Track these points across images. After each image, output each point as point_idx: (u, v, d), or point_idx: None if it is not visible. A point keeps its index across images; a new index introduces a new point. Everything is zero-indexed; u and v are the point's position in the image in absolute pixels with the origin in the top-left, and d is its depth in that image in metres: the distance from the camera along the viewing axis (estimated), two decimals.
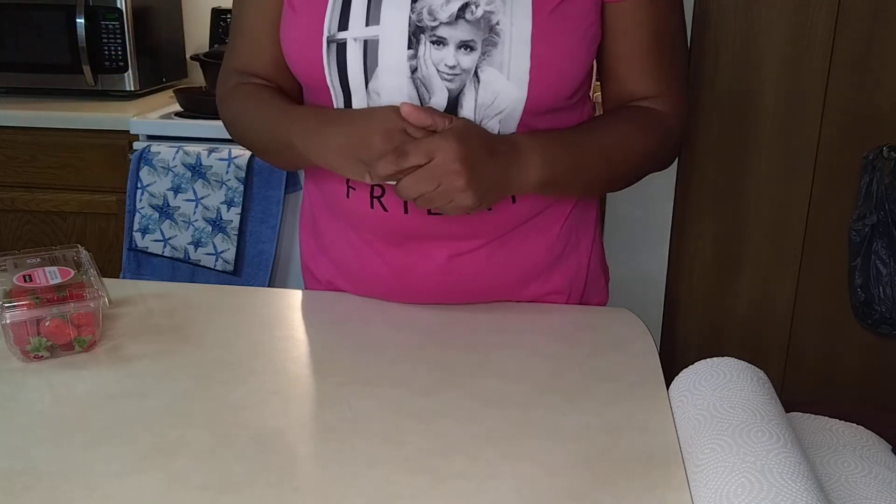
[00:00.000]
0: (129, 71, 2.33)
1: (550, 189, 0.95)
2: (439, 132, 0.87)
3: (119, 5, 2.27)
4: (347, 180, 0.99)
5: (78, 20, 2.26)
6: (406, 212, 0.97)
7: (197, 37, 2.67)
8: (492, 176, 0.88)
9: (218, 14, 2.53)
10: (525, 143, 0.92)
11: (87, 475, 0.70)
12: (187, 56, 2.64)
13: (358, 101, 0.94)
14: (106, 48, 2.31)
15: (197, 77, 2.57)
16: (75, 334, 0.90)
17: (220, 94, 1.09)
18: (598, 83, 1.07)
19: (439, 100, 0.92)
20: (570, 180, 0.96)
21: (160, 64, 2.51)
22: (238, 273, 2.10)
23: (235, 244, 2.07)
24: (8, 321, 0.87)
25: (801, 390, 2.63)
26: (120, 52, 2.31)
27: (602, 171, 0.98)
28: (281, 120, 0.98)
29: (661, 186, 2.47)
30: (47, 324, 0.89)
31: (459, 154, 0.85)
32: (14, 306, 0.87)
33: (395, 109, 0.89)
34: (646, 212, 2.50)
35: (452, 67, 0.91)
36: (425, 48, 0.90)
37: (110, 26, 2.28)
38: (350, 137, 0.90)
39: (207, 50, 2.50)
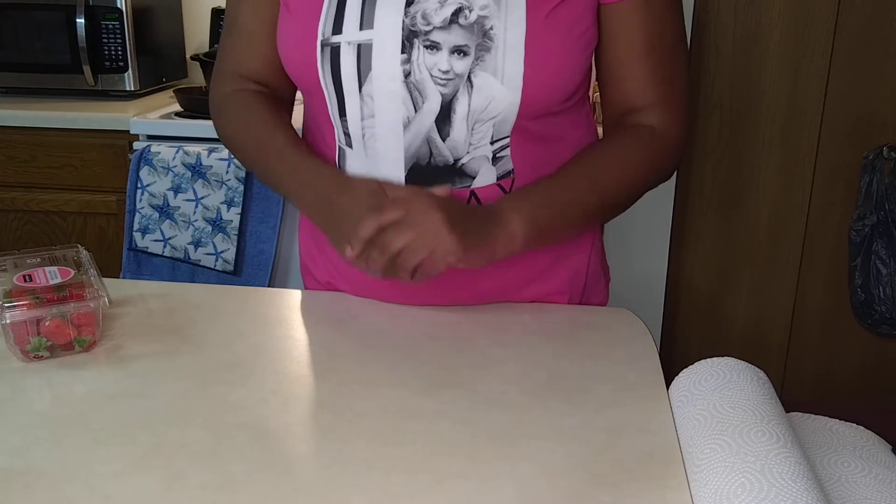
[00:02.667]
0: (129, 71, 2.34)
1: (540, 241, 0.94)
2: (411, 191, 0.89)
3: (119, 5, 2.27)
4: None
5: (78, 20, 2.26)
6: None
7: (197, 37, 2.67)
8: (471, 225, 0.88)
9: (218, 14, 2.53)
10: (503, 203, 0.92)
11: (87, 475, 0.70)
12: (187, 56, 2.64)
13: (351, 105, 0.94)
14: (106, 48, 2.31)
15: (197, 77, 2.58)
16: (75, 334, 0.90)
17: (215, 101, 1.08)
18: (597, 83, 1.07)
19: (433, 105, 0.92)
20: (560, 228, 0.95)
21: (160, 64, 2.51)
22: (238, 273, 2.10)
23: (235, 244, 2.07)
24: (8, 321, 0.87)
25: (801, 390, 2.63)
26: (120, 52, 2.31)
27: (596, 208, 0.97)
28: (275, 163, 0.99)
29: (661, 186, 2.46)
30: (47, 324, 0.89)
31: (437, 203, 0.86)
32: (14, 306, 0.87)
33: (378, 188, 0.90)
34: (646, 212, 2.50)
35: (446, 72, 0.90)
36: (419, 53, 0.90)
37: (110, 26, 2.28)
38: (336, 211, 0.91)
39: (207, 50, 2.50)
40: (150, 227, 2.10)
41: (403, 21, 0.90)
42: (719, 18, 2.40)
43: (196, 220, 2.08)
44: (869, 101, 2.39)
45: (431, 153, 0.94)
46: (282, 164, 0.98)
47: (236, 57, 1.06)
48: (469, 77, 0.90)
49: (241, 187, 2.04)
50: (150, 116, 2.17)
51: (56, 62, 2.33)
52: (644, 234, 2.50)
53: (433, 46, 0.90)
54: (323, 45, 0.93)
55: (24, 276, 0.92)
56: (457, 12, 0.89)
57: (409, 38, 0.90)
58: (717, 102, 2.46)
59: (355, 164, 0.97)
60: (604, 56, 0.98)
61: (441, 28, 0.89)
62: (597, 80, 1.03)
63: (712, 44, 2.42)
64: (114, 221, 2.24)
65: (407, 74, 0.91)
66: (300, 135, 1.09)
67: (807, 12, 2.35)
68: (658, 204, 2.49)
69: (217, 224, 2.07)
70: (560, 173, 0.96)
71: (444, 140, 0.93)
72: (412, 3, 0.89)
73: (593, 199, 0.96)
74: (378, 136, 0.94)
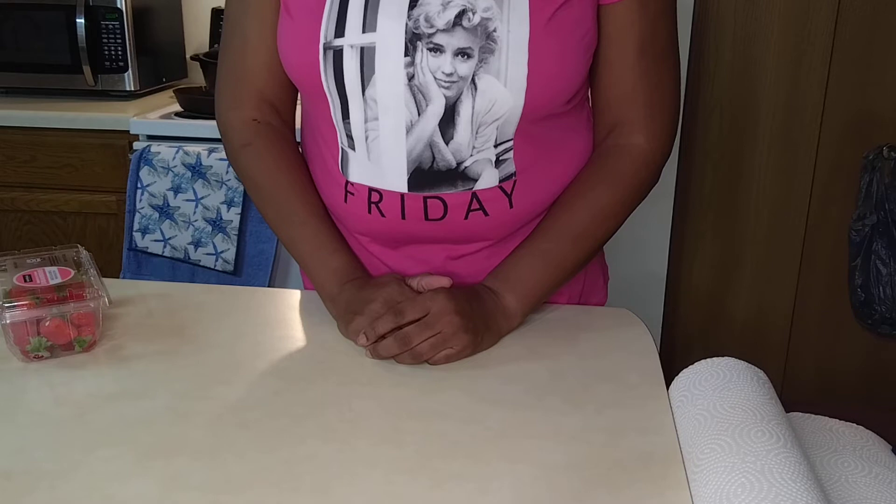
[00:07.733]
0: (129, 71, 2.34)
1: (536, 307, 0.99)
2: (429, 292, 0.93)
3: (119, 5, 2.27)
4: (346, 184, 0.99)
5: (78, 20, 2.26)
6: (403, 217, 0.97)
7: (197, 37, 2.67)
8: (479, 318, 0.92)
9: (218, 14, 2.53)
10: (500, 287, 0.96)
11: (87, 475, 0.70)
12: (187, 56, 2.64)
13: (355, 108, 0.94)
14: (106, 48, 2.31)
15: (197, 77, 2.57)
16: (75, 334, 0.90)
17: (237, 130, 1.05)
18: None
19: (436, 108, 0.92)
20: (553, 288, 1.00)
21: (160, 64, 2.51)
22: (238, 273, 2.10)
23: (235, 244, 2.07)
24: (8, 321, 0.87)
25: (801, 390, 2.63)
26: (120, 52, 2.31)
27: (586, 256, 1.01)
28: (295, 233, 1.03)
29: (661, 186, 2.46)
30: (47, 324, 0.89)
31: (452, 304, 0.90)
32: (14, 306, 0.87)
33: (400, 284, 0.94)
34: (646, 212, 2.49)
35: (450, 75, 0.90)
36: (422, 55, 0.90)
37: (110, 26, 2.28)
38: (355, 297, 0.95)
39: (207, 50, 2.50)
40: (150, 227, 2.10)
41: (406, 24, 0.89)
42: (719, 18, 2.40)
43: (196, 220, 2.08)
44: (869, 100, 2.39)
45: (434, 157, 0.93)
46: (303, 235, 1.02)
47: (248, 75, 1.04)
48: (473, 79, 0.90)
49: (241, 187, 2.04)
50: (150, 116, 2.17)
51: (56, 62, 2.33)
52: (644, 233, 2.50)
53: (437, 49, 0.90)
54: (325, 49, 0.92)
55: (24, 276, 0.92)
56: (460, 15, 0.89)
57: (413, 40, 0.90)
58: (716, 103, 2.46)
59: (358, 166, 0.97)
60: (596, 57, 0.98)
61: (444, 31, 0.89)
62: (588, 81, 1.03)
63: (712, 44, 2.42)
64: (114, 221, 2.24)
65: (410, 77, 0.90)
66: (298, 136, 1.09)
67: (807, 12, 2.35)
68: (658, 204, 2.49)
69: (217, 224, 2.07)
70: (545, 237, 0.99)
71: (447, 143, 0.93)
72: (415, 5, 0.89)
73: (580, 252, 1.00)
74: (381, 139, 0.94)
